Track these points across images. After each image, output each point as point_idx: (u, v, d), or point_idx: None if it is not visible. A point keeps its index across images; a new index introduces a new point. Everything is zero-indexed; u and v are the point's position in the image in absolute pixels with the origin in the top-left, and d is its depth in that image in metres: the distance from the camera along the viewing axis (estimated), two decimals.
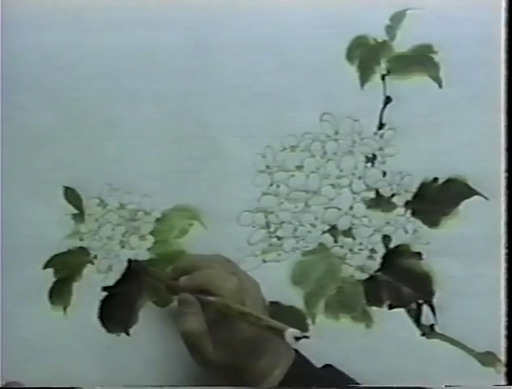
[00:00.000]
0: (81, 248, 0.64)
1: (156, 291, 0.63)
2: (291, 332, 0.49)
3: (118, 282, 0.63)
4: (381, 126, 0.63)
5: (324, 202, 0.63)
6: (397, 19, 0.63)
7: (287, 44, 0.63)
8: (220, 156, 0.63)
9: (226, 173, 0.63)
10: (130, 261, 0.63)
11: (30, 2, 0.64)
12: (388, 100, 0.63)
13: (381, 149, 0.63)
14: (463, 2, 0.63)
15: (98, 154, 0.64)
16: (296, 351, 0.57)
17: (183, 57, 0.64)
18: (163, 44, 0.64)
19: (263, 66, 0.63)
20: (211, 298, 0.55)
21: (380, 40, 0.63)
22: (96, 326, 0.63)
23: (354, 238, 0.63)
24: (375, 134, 0.63)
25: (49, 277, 0.63)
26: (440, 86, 0.63)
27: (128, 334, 0.63)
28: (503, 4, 0.63)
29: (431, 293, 0.62)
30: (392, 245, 0.63)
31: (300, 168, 0.63)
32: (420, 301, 0.62)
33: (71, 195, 0.64)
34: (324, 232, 0.63)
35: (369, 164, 0.63)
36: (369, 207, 0.63)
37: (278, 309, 0.62)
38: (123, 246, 0.64)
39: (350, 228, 0.63)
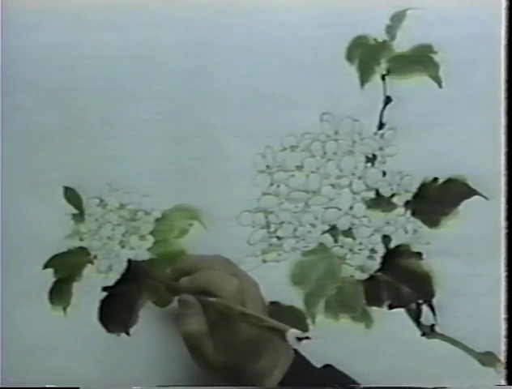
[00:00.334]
0: (81, 248, 0.64)
1: (156, 291, 0.63)
2: (292, 333, 0.49)
3: (118, 282, 0.63)
4: (381, 126, 0.63)
5: (324, 202, 0.63)
6: (397, 19, 0.63)
7: (287, 44, 0.63)
8: (220, 156, 0.63)
9: (226, 173, 0.63)
10: (129, 261, 0.63)
11: (30, 2, 0.64)
12: (388, 100, 0.63)
13: (381, 149, 0.63)
14: (463, 2, 0.63)
15: (98, 154, 0.64)
16: (296, 351, 0.57)
17: (183, 58, 0.64)
18: (163, 44, 0.64)
19: (263, 66, 0.63)
20: (211, 299, 0.55)
21: (380, 40, 0.63)
22: (96, 326, 0.63)
23: (354, 238, 0.63)
24: (375, 134, 0.63)
25: (49, 277, 0.63)
26: (440, 86, 0.63)
27: (128, 334, 0.63)
28: (503, 4, 0.63)
29: (431, 293, 0.62)
30: (392, 245, 0.63)
31: (300, 168, 0.63)
32: (420, 301, 0.62)
33: (71, 195, 0.64)
34: (324, 232, 0.63)
35: (369, 164, 0.63)
36: (369, 207, 0.63)
37: (278, 310, 0.62)
38: (123, 246, 0.64)
39: (350, 228, 0.63)
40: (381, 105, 0.63)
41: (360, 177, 0.63)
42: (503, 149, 0.62)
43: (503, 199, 0.62)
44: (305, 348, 0.56)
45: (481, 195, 0.62)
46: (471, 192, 0.62)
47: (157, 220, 0.64)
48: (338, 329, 0.62)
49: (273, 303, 0.62)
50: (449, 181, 0.62)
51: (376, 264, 0.63)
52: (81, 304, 0.63)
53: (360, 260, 0.63)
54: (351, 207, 0.63)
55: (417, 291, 0.62)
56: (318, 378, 0.56)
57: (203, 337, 0.55)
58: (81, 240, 0.64)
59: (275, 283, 0.62)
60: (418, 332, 0.62)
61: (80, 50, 0.64)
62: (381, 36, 0.63)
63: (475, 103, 0.62)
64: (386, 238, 0.63)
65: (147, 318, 0.63)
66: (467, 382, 0.61)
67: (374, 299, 0.62)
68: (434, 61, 0.63)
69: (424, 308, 0.62)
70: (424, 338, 0.62)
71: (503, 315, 0.61)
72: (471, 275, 0.62)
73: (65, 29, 0.64)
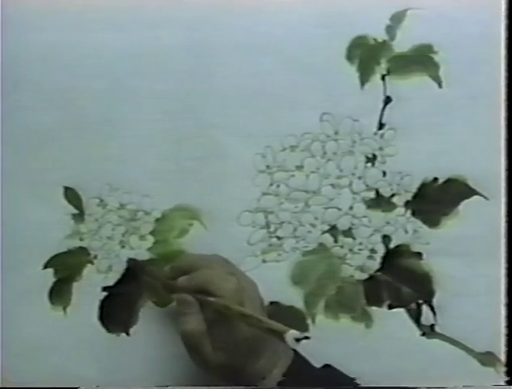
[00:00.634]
0: (81, 248, 0.64)
1: (156, 291, 0.63)
2: (291, 334, 0.49)
3: (118, 282, 0.63)
4: (381, 126, 0.63)
5: (324, 202, 0.63)
6: (397, 19, 0.63)
7: (287, 44, 0.63)
8: (220, 156, 0.63)
9: (226, 173, 0.63)
10: (128, 259, 0.63)
11: (30, 2, 0.64)
12: (388, 100, 0.63)
13: (381, 149, 0.63)
14: (463, 2, 0.63)
15: (98, 154, 0.64)
16: (295, 351, 0.57)
17: (184, 57, 0.64)
18: (163, 44, 0.64)
19: (263, 66, 0.63)
20: (210, 299, 0.55)
21: (380, 40, 0.63)
22: (96, 326, 0.63)
23: (354, 238, 0.63)
24: (375, 134, 0.63)
25: (49, 277, 0.63)
26: (440, 86, 0.63)
27: (128, 334, 0.63)
28: (503, 4, 0.63)
29: (431, 293, 0.62)
30: (392, 245, 0.63)
31: (300, 168, 0.63)
32: (420, 301, 0.62)
33: (71, 195, 0.64)
34: (324, 232, 0.63)
35: (369, 164, 0.63)
36: (369, 207, 0.63)
37: (278, 310, 0.62)
38: (123, 246, 0.64)
39: (350, 228, 0.63)
40: (381, 105, 0.63)
41: (360, 177, 0.63)
42: (503, 149, 0.62)
43: (503, 199, 0.62)
44: (304, 348, 0.56)
45: (481, 195, 0.62)
46: (471, 192, 0.62)
47: (157, 220, 0.64)
48: (338, 329, 0.62)
49: (273, 303, 0.62)
50: (449, 181, 0.62)
51: (376, 264, 0.63)
52: (81, 304, 0.63)
53: (360, 260, 0.63)
54: (351, 207, 0.63)
55: (417, 291, 0.62)
56: (318, 378, 0.56)
57: (201, 336, 0.55)
58: (81, 240, 0.64)
59: (275, 283, 0.62)
60: (418, 332, 0.62)
61: (81, 50, 0.64)
62: (381, 36, 0.63)
63: (475, 103, 0.62)
64: (386, 238, 0.63)
65: (147, 319, 0.63)
66: (466, 382, 0.61)
67: (374, 299, 0.62)
68: (434, 61, 0.63)
69: (424, 308, 0.62)
70: (424, 338, 0.62)
71: (503, 315, 0.61)
72: (471, 275, 0.62)
73: (65, 29, 0.64)
